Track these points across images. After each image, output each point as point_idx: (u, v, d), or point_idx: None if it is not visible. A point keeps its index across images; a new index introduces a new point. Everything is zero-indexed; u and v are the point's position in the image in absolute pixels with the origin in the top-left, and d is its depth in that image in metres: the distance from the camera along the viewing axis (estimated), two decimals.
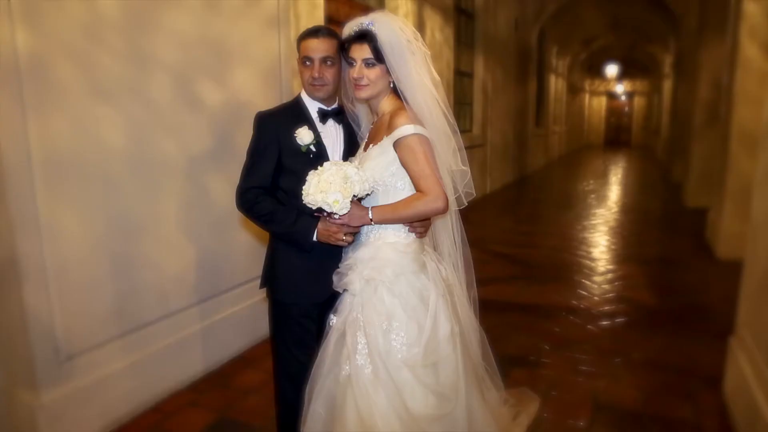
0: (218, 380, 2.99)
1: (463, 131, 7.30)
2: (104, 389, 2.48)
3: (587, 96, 25.96)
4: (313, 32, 1.85)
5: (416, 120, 1.74)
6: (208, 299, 3.05)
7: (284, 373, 2.01)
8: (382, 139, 1.77)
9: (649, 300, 4.20)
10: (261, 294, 3.19)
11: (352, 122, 2.05)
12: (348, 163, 1.77)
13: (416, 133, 1.71)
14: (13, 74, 2.04)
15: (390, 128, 1.75)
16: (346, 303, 1.84)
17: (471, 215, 2.00)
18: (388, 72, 1.77)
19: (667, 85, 15.49)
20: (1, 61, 2.00)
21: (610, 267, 5.14)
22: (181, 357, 2.88)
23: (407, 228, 1.83)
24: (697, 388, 2.83)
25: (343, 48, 1.83)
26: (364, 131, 2.02)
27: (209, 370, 3.06)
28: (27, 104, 2.09)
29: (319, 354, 1.83)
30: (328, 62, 1.85)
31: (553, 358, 3.20)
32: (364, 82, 1.78)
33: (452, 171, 1.86)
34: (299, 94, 1.98)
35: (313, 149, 1.89)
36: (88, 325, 2.41)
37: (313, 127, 1.91)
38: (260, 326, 3.23)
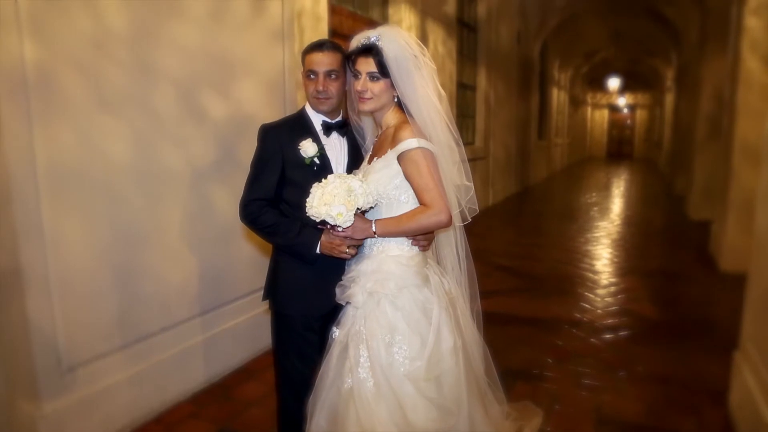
0: (220, 392, 2.98)
1: (465, 143, 7.33)
2: (106, 400, 2.47)
3: (589, 109, 26.05)
4: (317, 46, 1.87)
5: (420, 134, 1.75)
6: (210, 311, 3.05)
7: (286, 386, 2.00)
8: (386, 152, 1.79)
9: (653, 313, 4.18)
10: (263, 306, 3.19)
11: (357, 135, 2.06)
12: (352, 175, 1.77)
13: (420, 147, 1.73)
14: (20, 85, 2.06)
15: (394, 141, 1.76)
16: (348, 316, 1.84)
17: (473, 227, 2.00)
18: (392, 86, 1.79)
19: (669, 99, 15.55)
20: (9, 73, 2.03)
21: (613, 280, 5.12)
22: (182, 368, 2.87)
23: (410, 241, 1.84)
24: (701, 402, 2.81)
25: (349, 59, 1.85)
26: (368, 144, 2.03)
27: (211, 381, 3.05)
28: (33, 115, 2.11)
29: (321, 367, 1.83)
30: (333, 76, 1.87)
31: (556, 372, 3.18)
32: (368, 95, 1.80)
33: (457, 186, 1.87)
34: (303, 106, 2.00)
35: (317, 162, 1.90)
36: (91, 335, 2.41)
37: (317, 139, 1.92)
38: (262, 338, 3.22)
